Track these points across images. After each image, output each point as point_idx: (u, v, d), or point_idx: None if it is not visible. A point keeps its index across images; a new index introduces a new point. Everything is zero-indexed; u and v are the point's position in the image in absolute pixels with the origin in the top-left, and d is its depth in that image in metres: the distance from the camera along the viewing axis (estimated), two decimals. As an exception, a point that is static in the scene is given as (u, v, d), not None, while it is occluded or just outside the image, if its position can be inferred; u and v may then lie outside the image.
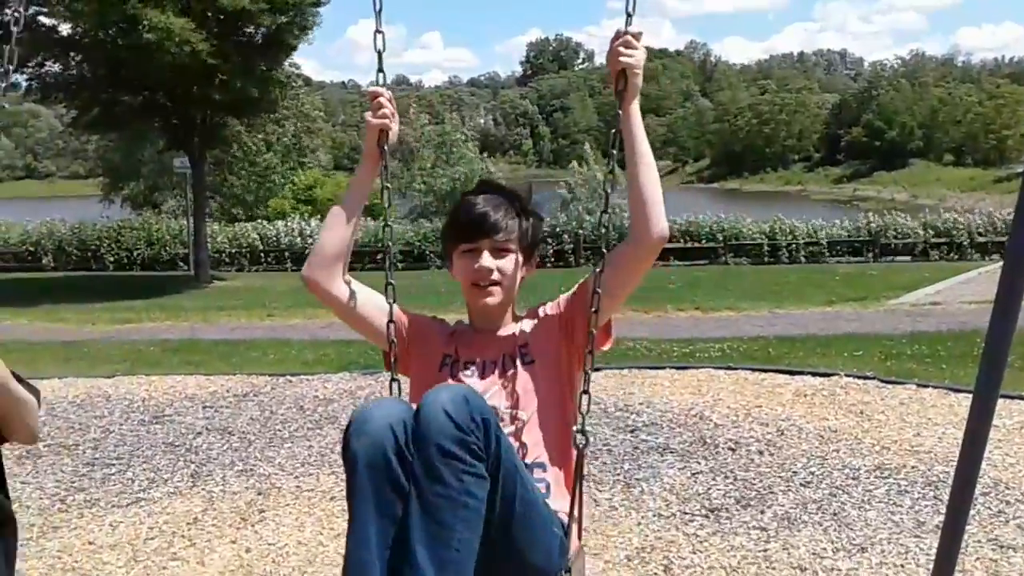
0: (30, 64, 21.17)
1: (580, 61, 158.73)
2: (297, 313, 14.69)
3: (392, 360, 2.38)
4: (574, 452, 2.27)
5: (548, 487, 2.26)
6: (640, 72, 2.22)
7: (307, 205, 35.24)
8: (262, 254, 27.98)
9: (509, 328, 2.42)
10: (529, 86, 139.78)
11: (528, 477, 2.13)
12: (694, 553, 4.06)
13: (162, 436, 6.24)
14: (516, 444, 2.24)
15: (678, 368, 8.02)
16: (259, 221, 30.48)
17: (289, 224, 28.56)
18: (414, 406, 2.01)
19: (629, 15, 2.22)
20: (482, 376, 2.34)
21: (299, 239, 27.73)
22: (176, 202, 36.37)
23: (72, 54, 21.09)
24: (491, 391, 2.30)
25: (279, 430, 6.32)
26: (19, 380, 2.30)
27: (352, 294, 2.38)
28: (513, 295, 2.41)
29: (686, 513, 4.55)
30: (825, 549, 4.06)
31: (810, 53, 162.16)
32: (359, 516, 1.93)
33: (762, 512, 4.53)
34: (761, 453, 5.48)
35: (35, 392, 2.38)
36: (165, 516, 4.71)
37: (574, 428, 2.25)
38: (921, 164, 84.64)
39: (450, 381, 2.31)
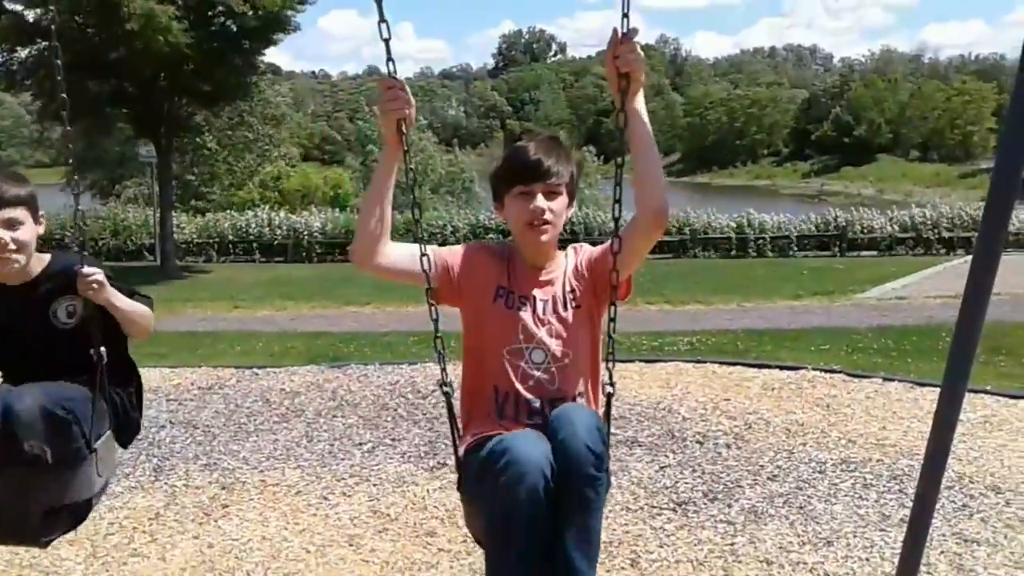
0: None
1: (552, 54, 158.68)
2: (264, 305, 14.58)
3: (434, 319, 2.54)
4: (600, 387, 2.64)
5: None
6: (643, 71, 2.39)
7: (275, 193, 35.18)
8: (230, 245, 27.66)
9: (557, 268, 2.65)
10: (500, 78, 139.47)
11: None
12: (661, 547, 4.05)
13: (124, 429, 6.13)
14: (565, 377, 2.57)
15: (647, 361, 8.03)
16: (228, 212, 30.13)
17: (259, 215, 28.25)
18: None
19: (626, 15, 2.32)
20: (534, 312, 2.59)
21: (267, 230, 27.43)
22: (137, 189, 35.98)
23: (40, 40, 20.71)
24: (543, 329, 2.58)
25: (244, 423, 6.24)
26: (132, 293, 2.97)
27: (398, 261, 2.56)
28: (559, 233, 2.62)
29: (654, 507, 4.54)
30: (791, 543, 4.07)
31: (780, 48, 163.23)
32: (522, 547, 2.22)
33: (729, 506, 4.53)
34: (729, 447, 5.49)
35: (148, 300, 3.04)
36: (126, 511, 4.63)
37: (602, 380, 2.59)
38: (888, 160, 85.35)
39: (504, 311, 2.58)
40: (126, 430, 3.10)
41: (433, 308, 2.53)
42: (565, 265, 2.66)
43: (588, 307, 2.61)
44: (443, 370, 2.55)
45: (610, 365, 2.51)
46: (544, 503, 2.20)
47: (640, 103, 2.43)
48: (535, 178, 2.55)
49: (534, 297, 2.60)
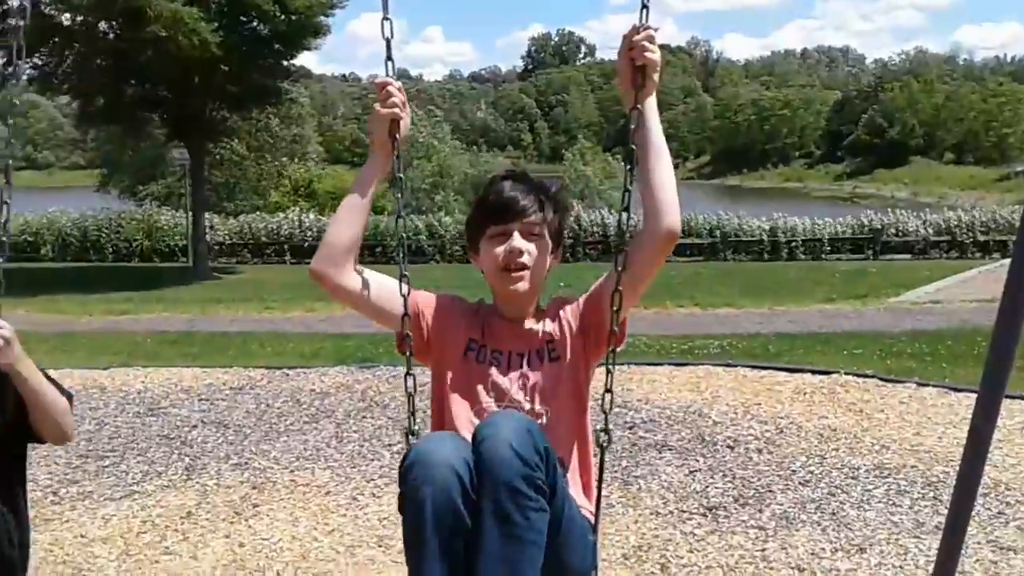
0: (36, 54, 21.07)
1: (582, 56, 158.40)
2: (295, 306, 14.66)
3: (408, 354, 2.26)
4: (590, 449, 2.30)
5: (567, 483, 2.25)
6: (659, 69, 2.17)
7: (307, 200, 35.34)
8: (262, 246, 27.95)
9: (536, 321, 2.34)
10: (528, 81, 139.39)
11: (568, 491, 2.11)
12: (691, 552, 4.02)
13: (157, 429, 6.20)
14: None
15: (677, 365, 7.98)
16: (258, 213, 30.43)
17: (290, 216, 28.52)
18: (468, 437, 1.97)
19: (645, 6, 2.15)
20: (508, 368, 2.29)
21: (299, 231, 27.70)
22: (159, 187, 36.37)
23: (76, 44, 20.99)
24: (515, 385, 2.27)
25: (275, 423, 6.28)
26: (52, 381, 2.42)
27: (364, 285, 2.27)
28: (540, 283, 2.32)
29: (684, 511, 4.51)
30: (824, 549, 4.02)
31: (812, 50, 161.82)
32: (427, 568, 1.89)
33: (760, 511, 4.49)
34: (760, 451, 5.44)
35: (68, 395, 2.46)
36: (158, 509, 4.67)
37: (597, 427, 2.25)
38: (922, 162, 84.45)
39: (475, 367, 2.28)
40: None
41: (409, 344, 2.25)
42: (545, 316, 2.35)
43: (574, 360, 2.29)
44: (411, 414, 2.24)
45: (606, 407, 2.20)
46: (462, 511, 1.87)
47: (653, 103, 2.18)
48: (510, 217, 2.26)
49: (509, 352, 2.30)
